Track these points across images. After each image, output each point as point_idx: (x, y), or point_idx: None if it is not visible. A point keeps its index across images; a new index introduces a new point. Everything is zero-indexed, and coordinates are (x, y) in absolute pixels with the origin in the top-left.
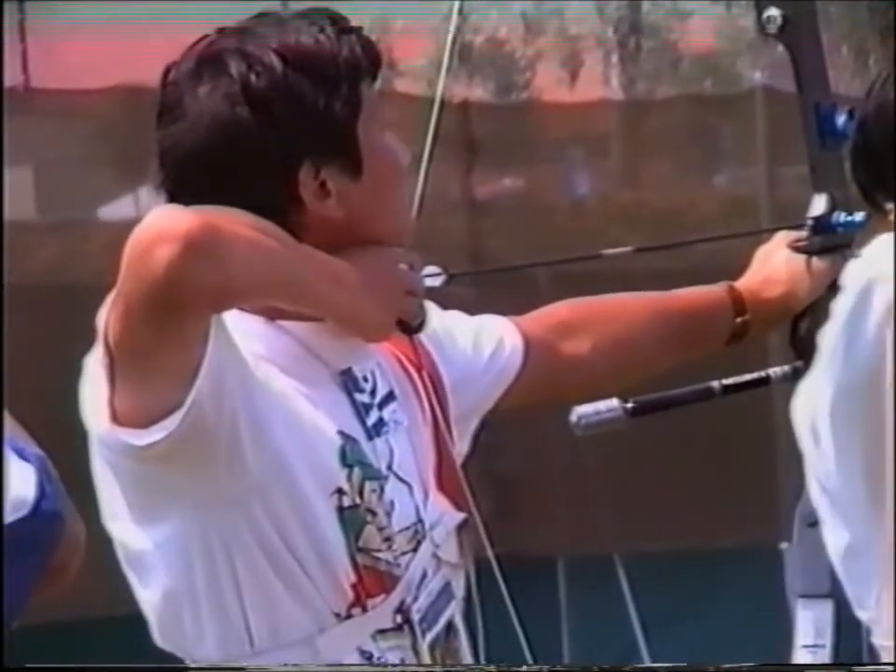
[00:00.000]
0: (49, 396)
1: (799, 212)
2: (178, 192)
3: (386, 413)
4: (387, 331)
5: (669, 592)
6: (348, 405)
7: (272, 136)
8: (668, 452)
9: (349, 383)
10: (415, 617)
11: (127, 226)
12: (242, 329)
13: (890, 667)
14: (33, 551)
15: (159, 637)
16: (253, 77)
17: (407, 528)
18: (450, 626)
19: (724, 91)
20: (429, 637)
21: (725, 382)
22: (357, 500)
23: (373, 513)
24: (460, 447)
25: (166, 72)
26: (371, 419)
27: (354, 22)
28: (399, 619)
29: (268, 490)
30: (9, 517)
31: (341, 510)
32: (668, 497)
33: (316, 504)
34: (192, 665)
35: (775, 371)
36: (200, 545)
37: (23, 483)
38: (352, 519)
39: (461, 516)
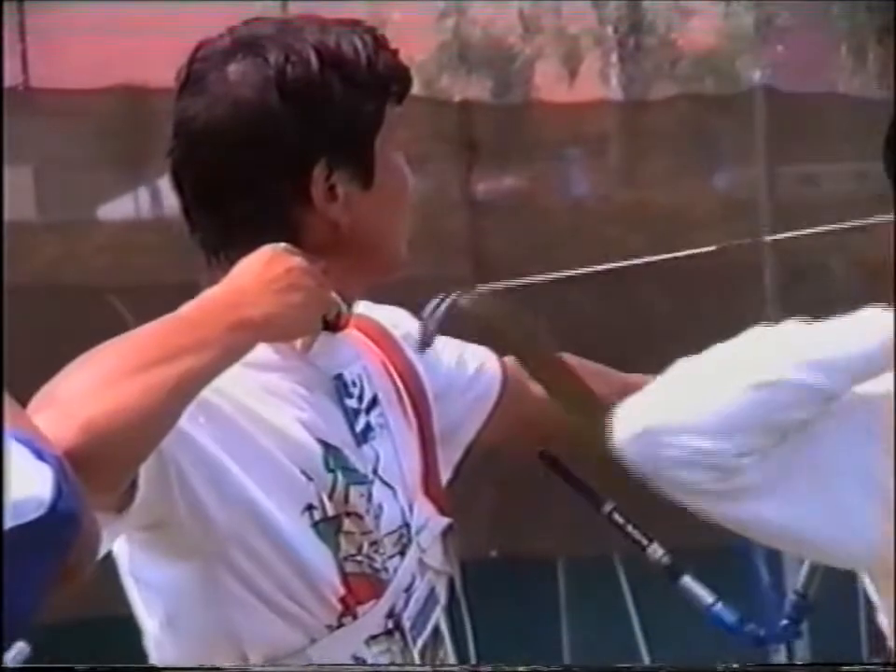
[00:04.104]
0: None
1: (799, 211)
2: (185, 164)
3: (373, 418)
4: (313, 329)
5: (669, 592)
6: (339, 412)
7: (295, 128)
8: None
9: (340, 388)
10: (406, 623)
11: (127, 226)
12: None
13: (891, 667)
14: (49, 550)
15: (157, 660)
16: (289, 68)
17: (393, 532)
18: (436, 633)
19: (724, 90)
20: (420, 642)
21: None
22: (330, 512)
23: (360, 517)
24: (443, 474)
25: (198, 47)
26: (360, 425)
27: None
28: (389, 624)
29: (241, 535)
30: (27, 517)
31: (315, 525)
32: (668, 496)
33: (291, 530)
34: (192, 666)
35: None
36: (188, 588)
37: (41, 483)
38: (326, 531)
39: (446, 521)
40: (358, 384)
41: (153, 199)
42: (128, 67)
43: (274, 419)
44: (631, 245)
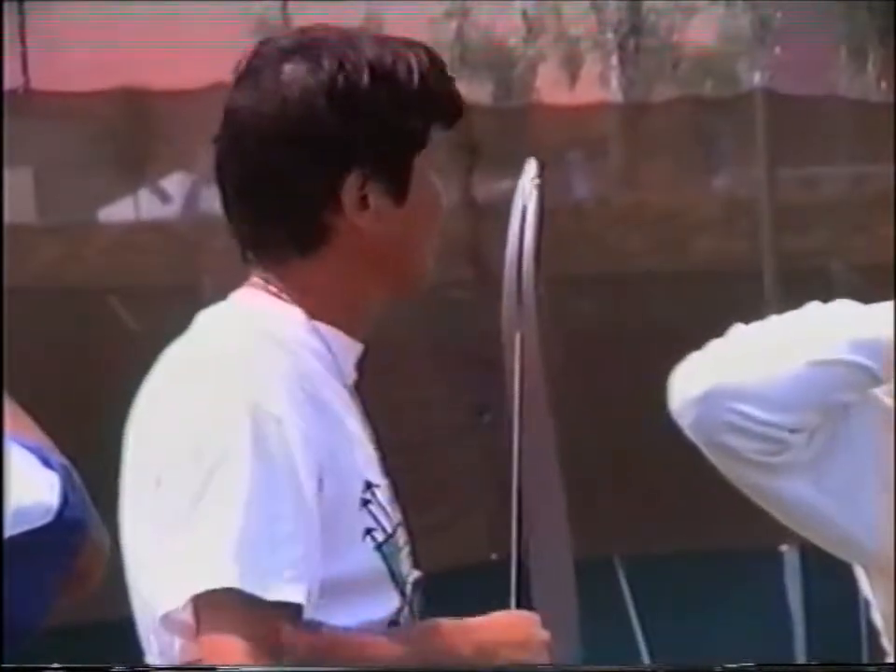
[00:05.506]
0: (49, 397)
1: (799, 213)
2: (228, 155)
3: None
4: None
5: (669, 592)
6: (358, 422)
7: (336, 134)
8: (668, 452)
9: (353, 400)
10: None
11: (127, 228)
12: (295, 336)
13: (891, 667)
14: (56, 557)
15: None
16: (341, 77)
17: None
18: None
19: (724, 92)
20: None
21: None
22: (388, 527)
23: (402, 526)
24: None
25: (260, 43)
26: (370, 437)
27: (346, 19)
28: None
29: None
30: (34, 523)
31: (379, 547)
32: (669, 496)
33: (355, 556)
34: (192, 666)
35: None
36: None
37: (48, 490)
38: (390, 551)
39: (417, 573)
40: (357, 402)
41: (154, 201)
42: (128, 69)
43: (348, 420)
44: (632, 247)
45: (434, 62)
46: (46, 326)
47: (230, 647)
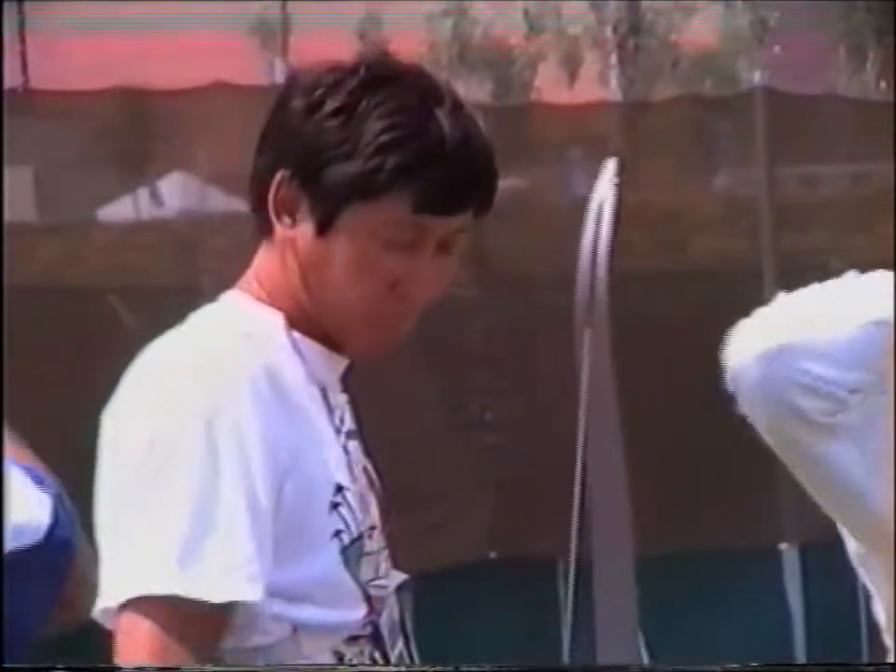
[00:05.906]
0: (48, 396)
1: (798, 212)
2: None
3: (351, 446)
4: None
5: (669, 592)
6: (331, 426)
7: (281, 127)
8: (668, 452)
9: (326, 404)
10: (385, 632)
11: (127, 227)
12: (275, 340)
13: (890, 668)
14: (46, 576)
15: None
16: (324, 88)
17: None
18: (400, 657)
19: (724, 91)
20: (395, 652)
21: None
22: (354, 530)
23: (374, 529)
24: None
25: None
26: (348, 447)
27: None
28: (369, 628)
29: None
30: (25, 541)
31: (343, 550)
32: (668, 497)
33: (322, 561)
34: (193, 666)
35: None
36: None
37: (40, 509)
38: (354, 555)
39: (403, 576)
40: (339, 411)
41: (153, 200)
42: (128, 68)
43: (320, 423)
44: (632, 245)
45: (461, 150)
46: (46, 326)
47: (153, 647)
